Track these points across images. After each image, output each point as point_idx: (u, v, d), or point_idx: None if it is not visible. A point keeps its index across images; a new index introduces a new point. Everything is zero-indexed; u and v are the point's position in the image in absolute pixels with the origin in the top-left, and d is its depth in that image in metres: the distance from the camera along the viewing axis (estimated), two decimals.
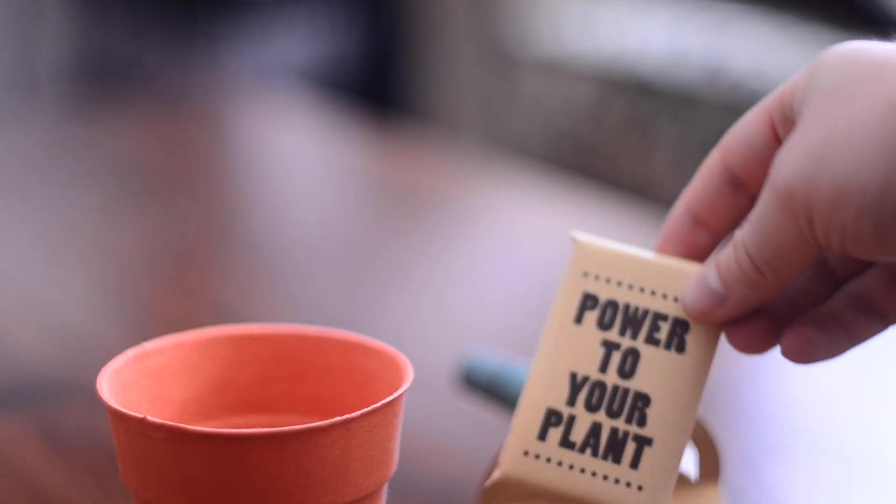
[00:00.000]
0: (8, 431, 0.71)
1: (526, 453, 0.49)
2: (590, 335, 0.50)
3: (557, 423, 0.49)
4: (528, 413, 0.50)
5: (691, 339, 0.49)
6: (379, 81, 2.72)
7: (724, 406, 0.75)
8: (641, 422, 0.49)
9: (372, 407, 0.47)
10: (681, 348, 0.49)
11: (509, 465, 0.49)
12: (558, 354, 0.50)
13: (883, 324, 0.50)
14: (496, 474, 0.49)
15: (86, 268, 1.00)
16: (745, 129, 0.49)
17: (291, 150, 1.36)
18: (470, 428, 0.71)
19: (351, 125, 1.43)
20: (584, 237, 0.51)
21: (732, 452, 0.66)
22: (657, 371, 0.49)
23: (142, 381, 0.52)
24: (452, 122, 2.63)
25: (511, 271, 1.01)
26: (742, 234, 0.47)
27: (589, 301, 0.50)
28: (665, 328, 0.50)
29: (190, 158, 1.33)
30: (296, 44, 2.62)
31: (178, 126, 1.42)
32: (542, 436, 0.49)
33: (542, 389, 0.50)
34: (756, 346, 0.50)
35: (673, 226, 0.52)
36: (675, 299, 0.50)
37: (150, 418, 0.46)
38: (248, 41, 2.56)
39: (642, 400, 0.49)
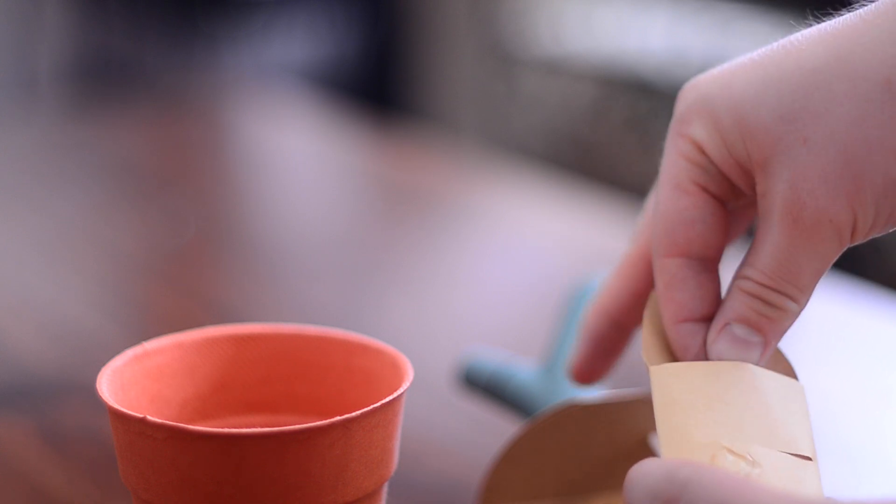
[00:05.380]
0: (8, 431, 0.71)
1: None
2: None
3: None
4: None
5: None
6: (379, 81, 2.72)
7: None
8: None
9: (372, 407, 0.47)
10: None
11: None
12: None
13: None
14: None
15: (85, 267, 1.00)
16: (675, 216, 0.48)
17: (291, 150, 1.36)
18: (470, 428, 0.71)
19: (351, 125, 1.42)
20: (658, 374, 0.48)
21: None
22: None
23: (141, 380, 0.52)
24: (452, 121, 2.63)
25: (510, 271, 1.01)
26: (759, 271, 0.46)
27: None
28: None
29: (190, 158, 1.33)
30: (296, 44, 2.62)
31: (178, 126, 1.42)
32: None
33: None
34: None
35: (596, 337, 0.53)
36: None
37: (150, 418, 0.46)
38: (248, 41, 2.56)
39: None
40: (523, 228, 1.09)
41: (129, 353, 0.52)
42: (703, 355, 0.48)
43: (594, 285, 0.67)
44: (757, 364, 0.47)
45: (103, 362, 0.51)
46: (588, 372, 0.55)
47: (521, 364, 0.64)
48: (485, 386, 0.64)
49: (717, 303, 0.49)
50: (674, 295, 0.48)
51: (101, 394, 0.48)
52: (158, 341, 0.53)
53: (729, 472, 0.40)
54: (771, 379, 0.47)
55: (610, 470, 0.58)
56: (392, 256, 1.03)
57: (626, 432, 0.57)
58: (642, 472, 0.41)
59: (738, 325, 0.47)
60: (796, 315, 0.47)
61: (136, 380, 0.52)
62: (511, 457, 0.57)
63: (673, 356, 0.49)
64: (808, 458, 0.46)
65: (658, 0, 2.24)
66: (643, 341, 0.49)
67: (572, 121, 2.15)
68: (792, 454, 0.45)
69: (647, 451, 0.57)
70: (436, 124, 2.61)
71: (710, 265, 0.48)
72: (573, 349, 0.55)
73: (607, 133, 2.09)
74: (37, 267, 1.00)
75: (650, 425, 0.57)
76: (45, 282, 0.96)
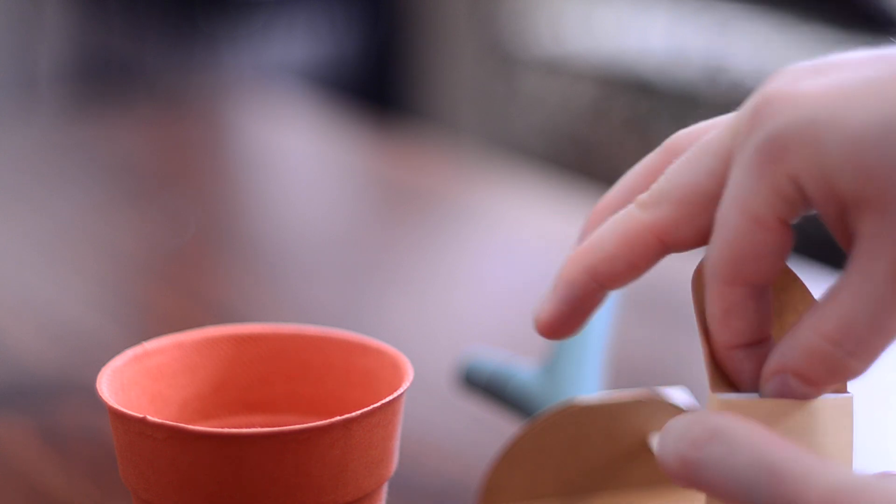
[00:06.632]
0: (8, 431, 0.71)
1: None
2: None
3: None
4: None
5: None
6: (379, 81, 2.72)
7: None
8: None
9: (372, 407, 0.47)
10: None
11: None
12: None
13: None
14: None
15: (85, 267, 1.00)
16: (748, 249, 0.44)
17: (291, 150, 1.36)
18: (470, 428, 0.71)
19: (351, 125, 1.42)
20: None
21: None
22: None
23: (142, 380, 0.52)
24: (452, 121, 2.63)
25: (511, 271, 1.01)
26: (838, 328, 0.43)
27: None
28: None
29: (190, 158, 1.33)
30: (296, 44, 2.62)
31: (178, 126, 1.42)
32: None
33: None
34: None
35: (578, 293, 0.49)
36: None
37: (150, 418, 0.46)
38: (248, 41, 2.56)
39: None
40: (523, 228, 1.09)
41: (129, 353, 0.52)
42: (757, 378, 0.46)
43: None
44: None
45: (103, 362, 0.51)
46: (560, 327, 0.51)
47: (521, 364, 0.64)
48: (485, 386, 0.64)
49: (770, 323, 0.46)
50: (731, 322, 0.46)
51: (101, 394, 0.48)
52: (158, 341, 0.53)
53: (762, 428, 0.39)
54: (824, 410, 0.46)
55: (610, 470, 0.58)
56: (392, 256, 1.03)
57: (626, 432, 0.57)
58: (674, 420, 0.41)
59: (794, 379, 0.45)
60: (859, 376, 0.44)
61: (136, 380, 0.52)
62: (511, 457, 0.57)
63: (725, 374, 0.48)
64: None
65: (658, 0, 2.24)
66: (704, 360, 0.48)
67: (572, 121, 2.15)
68: None
69: (647, 452, 0.57)
70: (436, 124, 2.61)
71: (768, 289, 0.46)
72: (543, 300, 0.51)
73: (607, 133, 2.09)
74: (37, 267, 1.00)
75: (650, 425, 0.57)
76: (45, 282, 0.96)
